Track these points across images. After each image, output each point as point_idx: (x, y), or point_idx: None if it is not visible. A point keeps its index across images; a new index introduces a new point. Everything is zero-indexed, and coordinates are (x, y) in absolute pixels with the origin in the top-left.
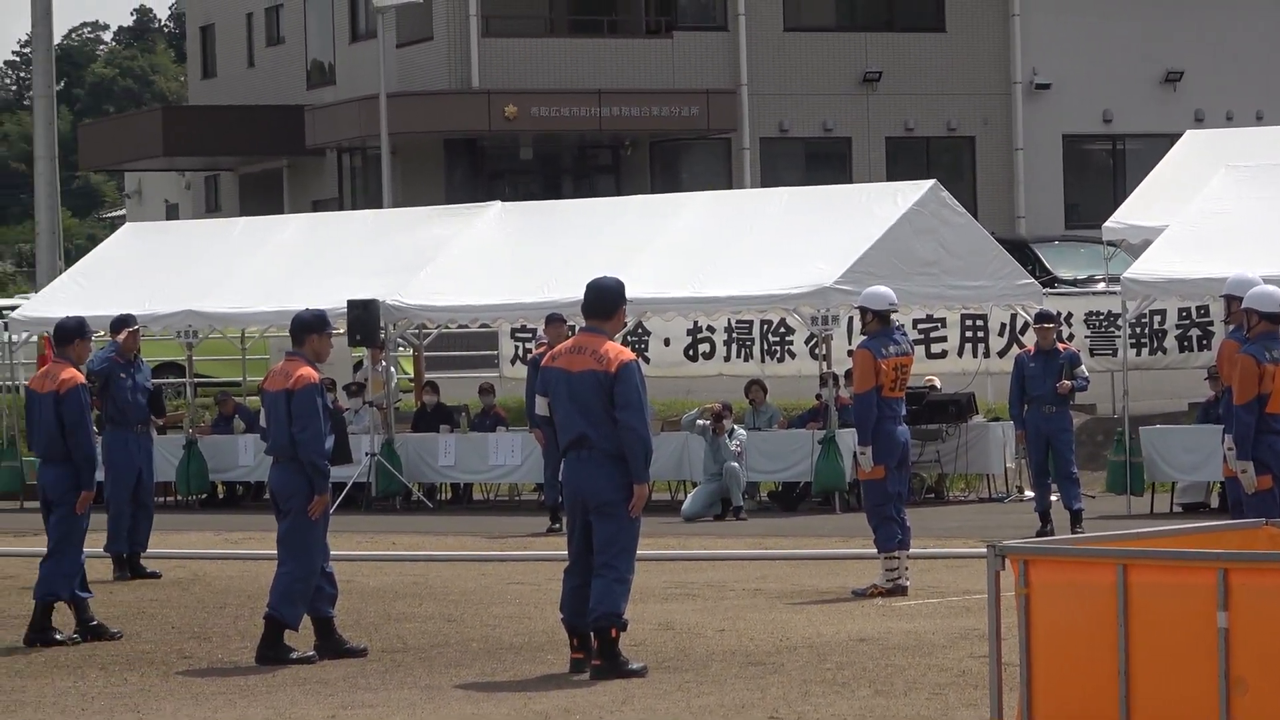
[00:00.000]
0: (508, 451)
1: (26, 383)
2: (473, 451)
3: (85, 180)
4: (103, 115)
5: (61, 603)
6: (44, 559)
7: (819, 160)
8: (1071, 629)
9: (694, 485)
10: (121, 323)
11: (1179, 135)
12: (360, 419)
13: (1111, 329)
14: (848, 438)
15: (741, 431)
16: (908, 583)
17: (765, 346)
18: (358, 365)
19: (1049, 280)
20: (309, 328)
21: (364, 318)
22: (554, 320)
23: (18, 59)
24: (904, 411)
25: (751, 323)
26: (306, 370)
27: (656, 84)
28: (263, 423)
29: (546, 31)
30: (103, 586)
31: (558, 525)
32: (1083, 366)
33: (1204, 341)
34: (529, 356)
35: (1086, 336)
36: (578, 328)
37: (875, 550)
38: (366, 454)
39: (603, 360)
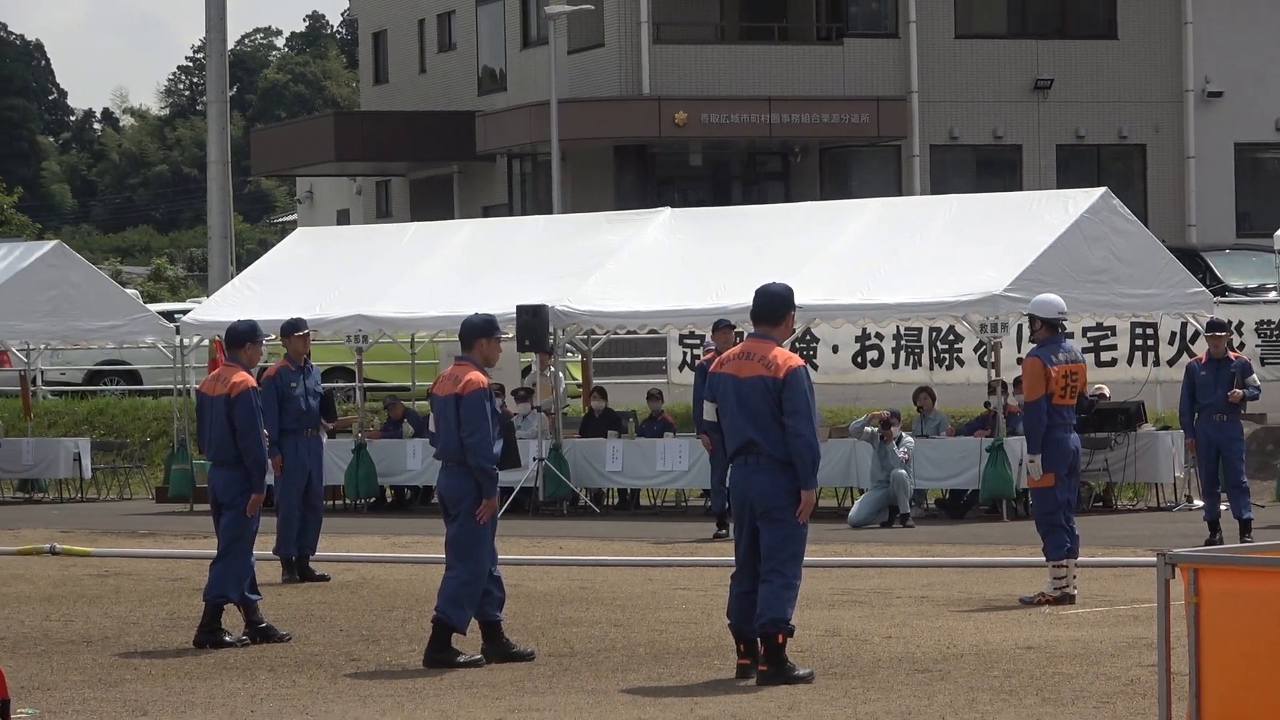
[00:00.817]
0: (675, 457)
1: (197, 386)
2: (640, 457)
3: (257, 185)
4: (275, 121)
5: (231, 605)
6: (214, 561)
7: (989, 168)
8: (1241, 638)
9: (861, 492)
10: (292, 327)
11: None
12: (528, 424)
13: None
14: (1016, 445)
15: (909, 438)
16: (1076, 591)
17: (934, 354)
18: (526, 370)
19: (1220, 289)
20: (479, 332)
21: (533, 323)
22: (722, 326)
23: (191, 65)
24: (1075, 419)
25: (920, 330)
26: (476, 375)
27: (827, 91)
28: (431, 427)
29: (717, 38)
30: (272, 589)
31: (724, 531)
32: (1254, 375)
33: None
34: (697, 362)
35: (1257, 345)
36: (746, 334)
37: (1044, 558)
38: (534, 459)
39: (771, 366)
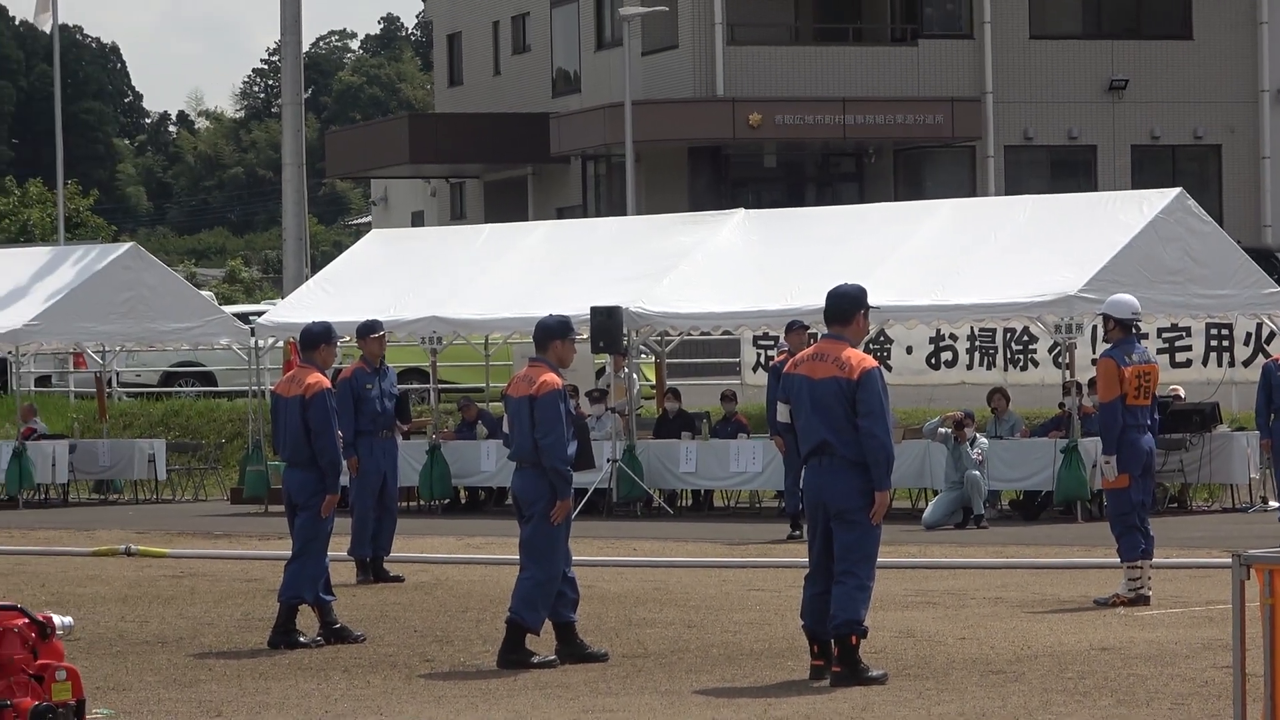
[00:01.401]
0: (749, 458)
1: (272, 388)
2: (714, 458)
3: (332, 187)
4: (349, 123)
5: (306, 605)
6: (289, 562)
7: (1064, 168)
8: None
9: (935, 493)
10: (367, 329)
11: None
12: (603, 425)
13: None
14: (1090, 447)
15: (983, 440)
16: (1150, 592)
17: (1008, 355)
18: (600, 372)
19: None
20: (553, 334)
21: (607, 324)
22: (795, 327)
23: (266, 67)
24: (1149, 420)
25: (994, 331)
26: (550, 376)
27: (901, 92)
28: (505, 428)
29: (791, 39)
30: (346, 590)
31: (798, 532)
32: None
33: None
34: (770, 364)
35: None
36: (820, 335)
37: (1118, 559)
38: (608, 460)
39: (845, 367)
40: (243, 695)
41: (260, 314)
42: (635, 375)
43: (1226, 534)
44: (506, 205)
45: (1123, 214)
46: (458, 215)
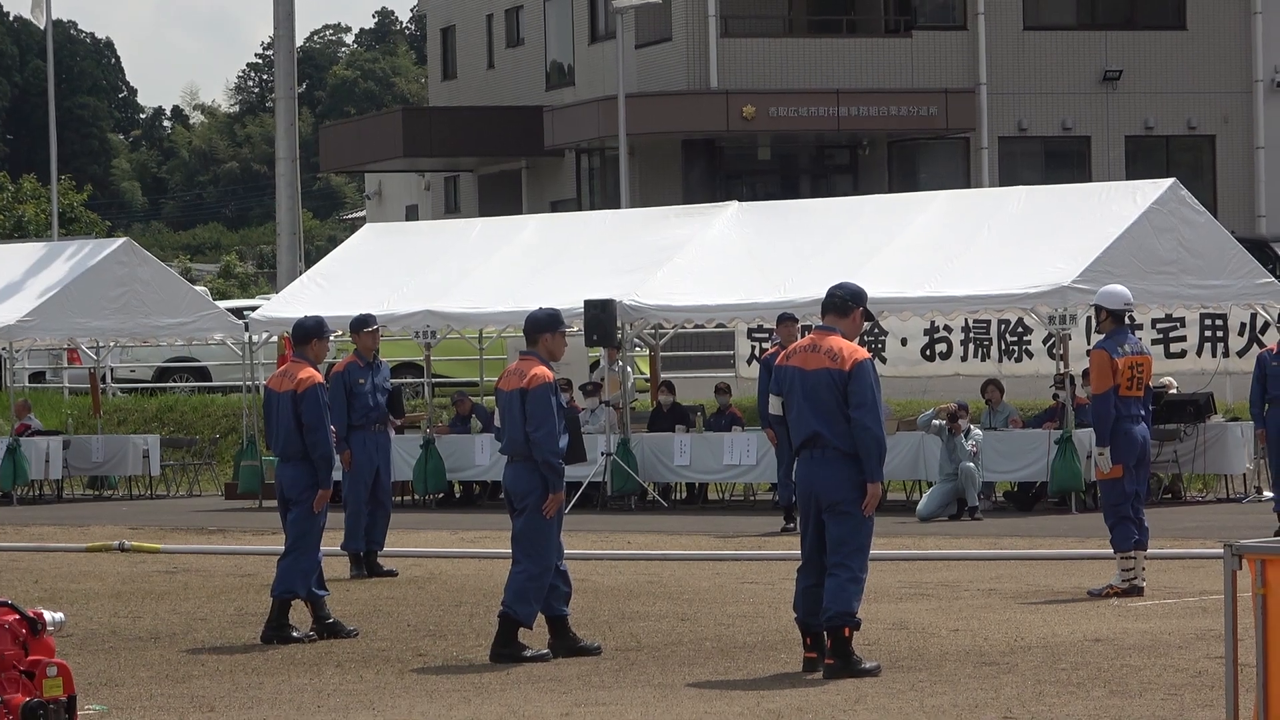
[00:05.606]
0: (743, 451)
1: (265, 383)
2: (708, 451)
3: (326, 182)
4: (343, 117)
5: (299, 600)
6: (282, 557)
7: (1058, 159)
8: None
9: (929, 485)
10: (361, 323)
11: None
12: (597, 418)
13: None
14: (1085, 438)
15: (977, 431)
16: (1144, 583)
17: (1002, 346)
18: (594, 365)
19: None
20: (542, 327)
21: (601, 318)
22: (785, 320)
23: (261, 61)
24: (1143, 411)
25: (989, 322)
26: (541, 369)
27: (895, 83)
28: (497, 422)
29: (785, 31)
30: (339, 584)
31: (791, 525)
32: None
33: None
34: (763, 356)
35: None
36: (813, 327)
37: (1112, 550)
38: (602, 453)
39: (837, 358)
40: (235, 690)
41: (254, 309)
42: (629, 368)
43: (1220, 524)
44: (500, 199)
45: (1117, 205)
46: (452, 209)
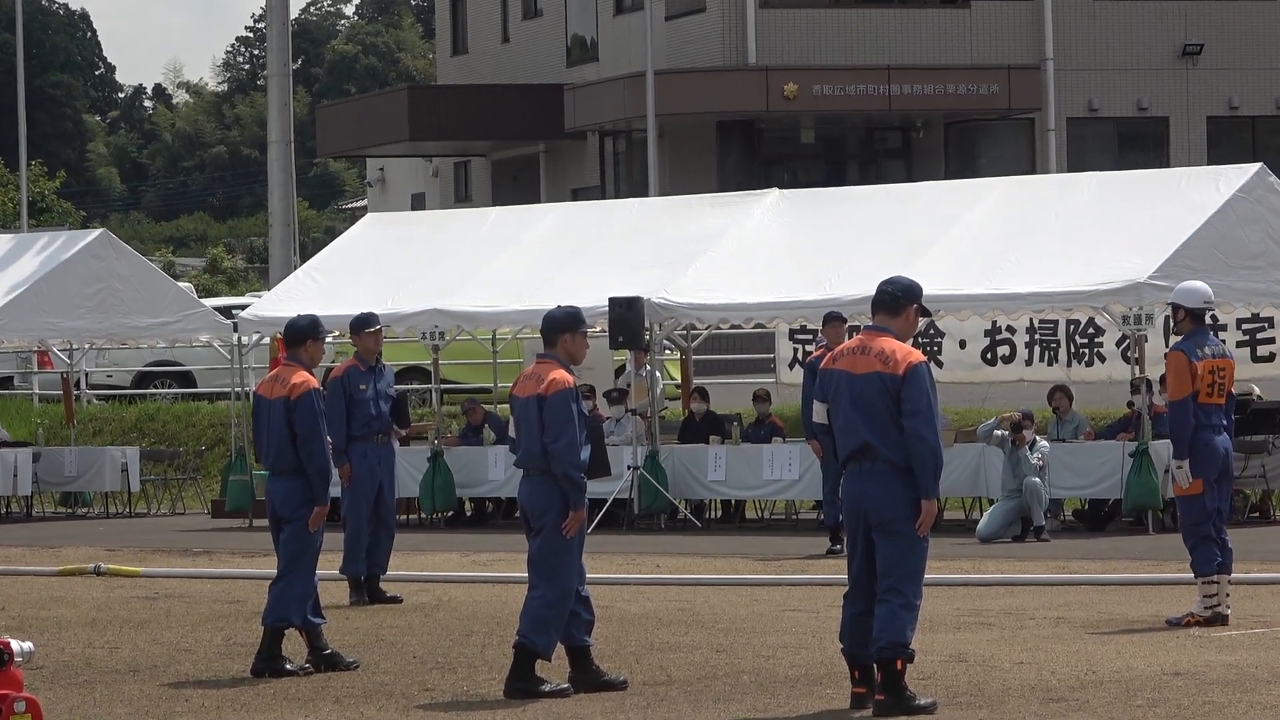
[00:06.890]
0: (784, 465)
1: (255, 389)
2: (745, 465)
3: (323, 167)
4: (343, 96)
5: (293, 629)
6: (274, 581)
7: (1132, 142)
8: None
9: (991, 502)
10: (362, 323)
11: None
12: (622, 429)
13: None
14: (1162, 450)
15: (1044, 443)
16: (1228, 610)
17: (1071, 349)
18: (620, 370)
19: None
20: (561, 327)
21: (627, 317)
22: (833, 319)
23: (251, 35)
24: (1225, 420)
25: (1056, 322)
26: (560, 374)
27: (952, 59)
28: (512, 432)
29: (830, 2)
30: (338, 612)
31: (838, 546)
32: None
33: None
34: (806, 359)
35: None
36: (862, 327)
37: (1192, 574)
38: (629, 467)
39: (889, 361)
40: None
41: (244, 307)
42: (658, 373)
43: None
44: (516, 186)
45: (1197, 192)
46: (462, 197)
